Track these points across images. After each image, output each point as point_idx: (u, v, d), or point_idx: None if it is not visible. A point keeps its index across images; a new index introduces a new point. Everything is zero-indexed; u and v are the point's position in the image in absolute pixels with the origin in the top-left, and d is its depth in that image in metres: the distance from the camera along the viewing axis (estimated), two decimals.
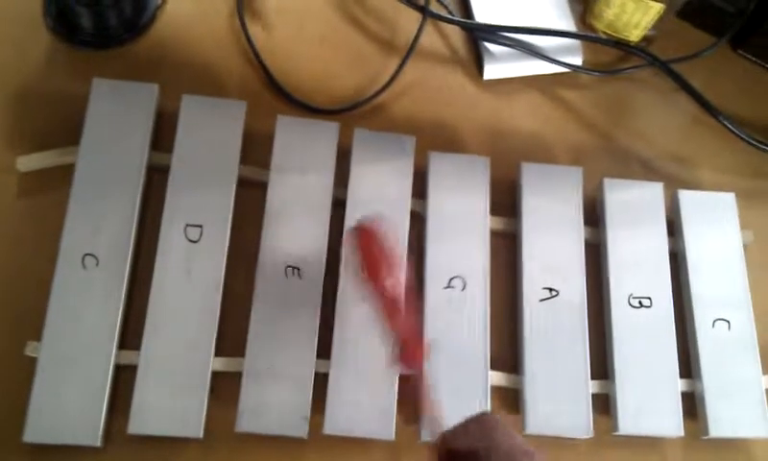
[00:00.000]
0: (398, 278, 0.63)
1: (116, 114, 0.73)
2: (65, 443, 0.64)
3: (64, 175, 0.72)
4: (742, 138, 0.84)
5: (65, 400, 0.64)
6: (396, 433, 0.67)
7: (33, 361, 0.65)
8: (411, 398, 0.59)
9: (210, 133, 0.74)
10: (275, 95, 0.82)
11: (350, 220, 0.73)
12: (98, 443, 0.64)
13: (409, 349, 0.60)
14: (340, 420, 0.67)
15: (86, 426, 0.64)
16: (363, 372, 0.68)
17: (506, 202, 0.78)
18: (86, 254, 0.68)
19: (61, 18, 0.80)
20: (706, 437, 0.71)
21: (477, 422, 0.55)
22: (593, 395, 0.70)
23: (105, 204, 0.70)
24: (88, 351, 0.66)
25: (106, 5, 0.78)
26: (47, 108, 0.77)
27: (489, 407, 0.68)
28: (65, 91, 0.77)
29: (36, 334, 0.66)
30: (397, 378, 0.68)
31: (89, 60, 0.80)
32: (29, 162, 0.73)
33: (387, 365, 0.63)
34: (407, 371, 0.60)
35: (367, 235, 0.63)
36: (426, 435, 0.67)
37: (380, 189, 0.75)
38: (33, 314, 0.67)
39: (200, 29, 0.84)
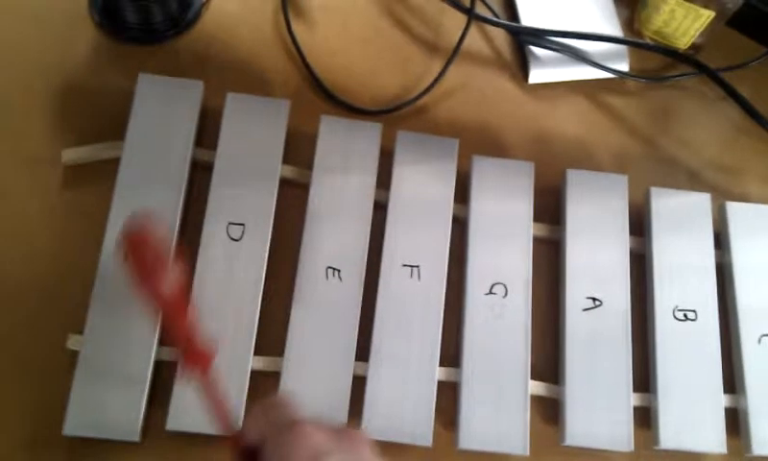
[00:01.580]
0: (176, 278, 0.57)
1: (161, 110, 0.74)
2: (104, 437, 0.64)
3: (109, 169, 0.72)
4: None
5: (105, 395, 0.64)
6: (434, 439, 0.67)
7: (74, 354, 0.66)
8: (202, 399, 0.55)
9: (254, 132, 0.74)
10: (318, 94, 0.82)
11: (392, 222, 0.73)
12: (137, 438, 0.64)
13: (193, 350, 0.56)
14: (377, 424, 0.67)
15: (126, 421, 0.64)
16: (401, 376, 0.68)
17: (549, 208, 0.77)
18: None
19: (107, 14, 0.81)
20: (749, 455, 0.70)
21: (262, 406, 0.52)
22: (635, 408, 0.69)
23: (148, 199, 0.70)
24: (129, 346, 0.66)
25: (151, 1, 0.78)
26: (92, 102, 0.77)
27: (528, 417, 0.68)
28: (111, 86, 0.78)
29: (78, 328, 0.66)
30: (436, 384, 0.68)
31: (135, 55, 0.80)
32: (74, 155, 0.73)
33: (178, 373, 0.58)
34: (194, 373, 0.55)
35: (136, 242, 0.57)
36: (465, 443, 0.67)
37: (422, 192, 0.74)
38: (75, 307, 0.67)
39: (244, 27, 0.84)
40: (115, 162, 0.72)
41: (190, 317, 0.56)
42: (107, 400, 0.64)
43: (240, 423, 0.55)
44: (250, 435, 0.51)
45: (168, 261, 0.57)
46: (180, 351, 0.56)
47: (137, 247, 0.57)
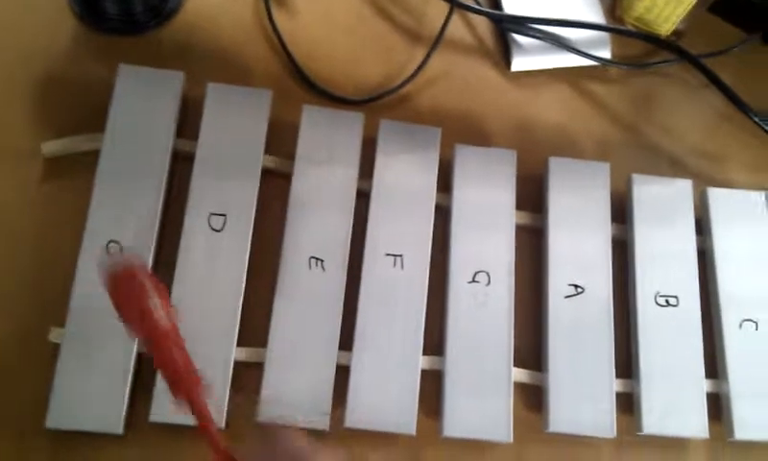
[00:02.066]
0: (160, 311, 0.57)
1: (142, 101, 0.73)
2: (87, 430, 0.64)
3: (89, 161, 0.71)
4: None
5: (88, 387, 0.64)
6: (418, 427, 0.67)
7: (56, 347, 0.65)
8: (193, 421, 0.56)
9: (235, 122, 0.74)
10: (300, 84, 0.81)
11: (375, 212, 0.73)
12: (120, 430, 0.64)
13: (181, 380, 0.56)
14: (361, 413, 0.67)
15: (108, 414, 0.64)
16: (385, 365, 0.68)
17: (532, 196, 0.77)
18: (111, 241, 0.68)
19: (88, 4, 0.80)
20: (731, 439, 0.70)
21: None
22: (617, 394, 0.70)
23: (129, 190, 0.70)
24: (111, 338, 0.65)
25: None
26: (72, 93, 0.77)
27: (511, 404, 0.68)
28: (91, 77, 0.77)
29: (60, 320, 0.66)
30: (419, 372, 0.68)
31: (115, 46, 0.80)
32: (54, 147, 0.73)
33: (171, 403, 0.57)
34: (182, 400, 0.56)
35: (124, 278, 0.57)
36: (449, 431, 0.67)
37: (405, 181, 0.74)
38: (56, 300, 0.67)
39: (226, 17, 0.83)
40: (96, 154, 0.71)
41: (177, 347, 0.56)
42: (89, 393, 0.64)
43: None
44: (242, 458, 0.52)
45: (151, 295, 0.56)
46: (168, 382, 0.56)
47: (121, 283, 0.56)
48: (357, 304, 0.70)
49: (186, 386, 0.56)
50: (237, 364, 0.67)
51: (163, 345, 0.56)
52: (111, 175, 0.70)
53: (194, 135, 0.73)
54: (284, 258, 0.70)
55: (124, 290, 0.56)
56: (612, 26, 0.87)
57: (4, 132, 0.74)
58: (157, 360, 0.56)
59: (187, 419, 0.63)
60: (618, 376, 0.70)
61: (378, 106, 0.81)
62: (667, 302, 0.73)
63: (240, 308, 0.68)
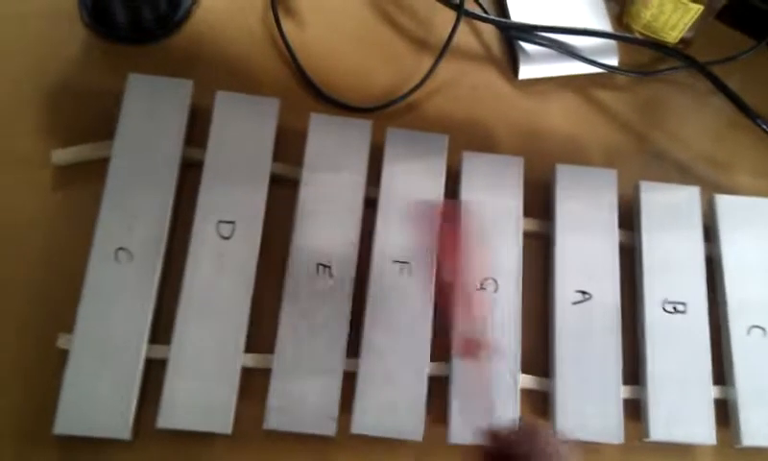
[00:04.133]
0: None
1: (151, 110, 0.74)
2: (95, 435, 0.64)
3: (99, 169, 0.72)
4: None
5: (96, 393, 0.64)
6: (424, 434, 0.67)
7: (64, 353, 0.66)
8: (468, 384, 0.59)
9: (244, 130, 0.74)
10: (308, 93, 0.82)
11: (382, 219, 0.73)
12: (127, 436, 0.64)
13: (472, 341, 0.61)
14: (368, 419, 0.67)
15: (116, 420, 0.64)
16: (392, 371, 0.68)
17: (539, 203, 0.78)
18: (120, 249, 0.68)
19: (97, 14, 0.81)
20: (738, 446, 0.70)
21: (520, 428, 0.54)
22: (625, 400, 0.70)
23: (138, 198, 0.70)
24: (120, 344, 0.66)
25: (141, 0, 0.78)
26: (82, 102, 0.77)
27: (518, 410, 0.68)
28: (100, 86, 0.78)
29: (69, 327, 0.66)
30: (426, 379, 0.68)
31: (124, 55, 0.80)
32: (64, 156, 0.73)
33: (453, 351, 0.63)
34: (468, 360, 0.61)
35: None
36: (455, 438, 0.67)
37: (413, 188, 0.74)
38: (65, 306, 0.67)
39: (234, 25, 0.84)
40: (105, 162, 0.72)
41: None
42: (97, 399, 0.64)
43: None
44: (510, 443, 0.52)
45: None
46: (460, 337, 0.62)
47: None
48: (365, 311, 0.70)
49: (475, 348, 0.61)
50: (245, 370, 0.67)
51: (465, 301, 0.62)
52: (121, 183, 0.71)
53: (203, 143, 0.74)
54: (292, 265, 0.70)
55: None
56: (619, 34, 0.87)
57: (14, 140, 0.75)
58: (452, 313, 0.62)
59: (194, 425, 0.65)
60: (625, 382, 0.70)
61: (386, 114, 0.81)
62: (675, 308, 0.72)
63: (248, 315, 0.68)
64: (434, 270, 0.71)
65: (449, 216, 0.63)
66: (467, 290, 0.61)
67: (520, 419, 0.56)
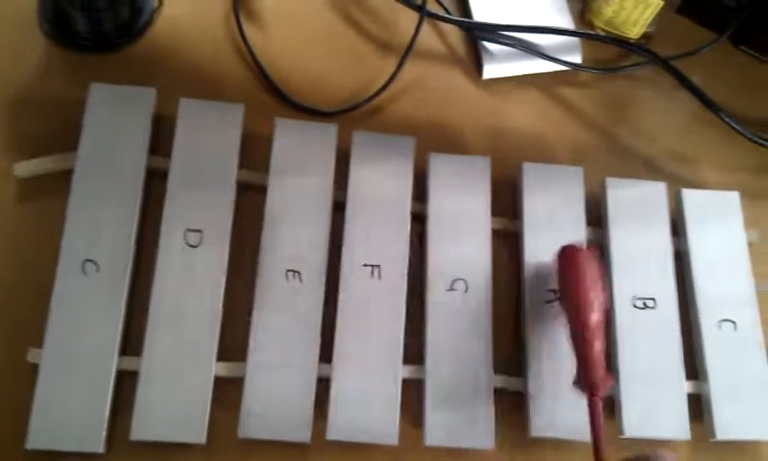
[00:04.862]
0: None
1: (114, 119, 0.73)
2: (68, 449, 0.63)
3: (63, 180, 0.71)
4: (745, 135, 0.84)
5: (68, 407, 0.64)
6: (400, 438, 0.67)
7: (34, 368, 0.65)
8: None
9: (208, 137, 0.73)
10: (272, 97, 0.81)
11: (351, 222, 0.72)
12: (101, 449, 0.63)
13: (596, 373, 0.63)
14: (343, 425, 0.66)
15: (89, 433, 0.64)
16: (365, 376, 0.68)
17: (507, 202, 0.78)
18: (87, 260, 0.68)
19: (57, 23, 0.80)
20: (713, 440, 0.71)
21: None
22: None
23: (104, 209, 0.70)
24: (90, 357, 0.65)
25: (101, 9, 0.77)
26: (44, 113, 0.76)
27: (492, 410, 0.68)
28: (62, 96, 0.77)
29: (38, 341, 0.65)
30: (400, 382, 0.68)
31: (86, 64, 0.79)
32: (26, 168, 0.72)
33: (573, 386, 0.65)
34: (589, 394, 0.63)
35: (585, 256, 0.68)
36: (432, 440, 0.67)
37: (380, 191, 0.74)
38: (34, 321, 0.66)
39: (196, 32, 0.83)
40: (69, 173, 0.71)
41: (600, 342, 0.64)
42: (69, 413, 0.64)
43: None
44: None
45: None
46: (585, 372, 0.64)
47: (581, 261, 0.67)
48: (336, 316, 0.69)
49: (596, 384, 0.62)
50: (218, 379, 0.67)
51: (592, 335, 0.63)
52: (85, 194, 0.70)
53: (167, 152, 0.73)
54: (261, 272, 0.70)
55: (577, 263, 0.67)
56: (581, 31, 0.87)
57: None
58: (582, 348, 0.64)
59: (169, 435, 0.64)
60: None
61: (351, 117, 0.81)
62: (645, 304, 0.73)
63: (219, 323, 0.68)
64: (405, 271, 0.71)
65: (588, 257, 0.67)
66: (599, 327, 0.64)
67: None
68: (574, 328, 0.65)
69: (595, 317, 0.64)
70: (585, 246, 0.69)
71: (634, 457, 0.56)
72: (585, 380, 0.63)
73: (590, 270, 0.66)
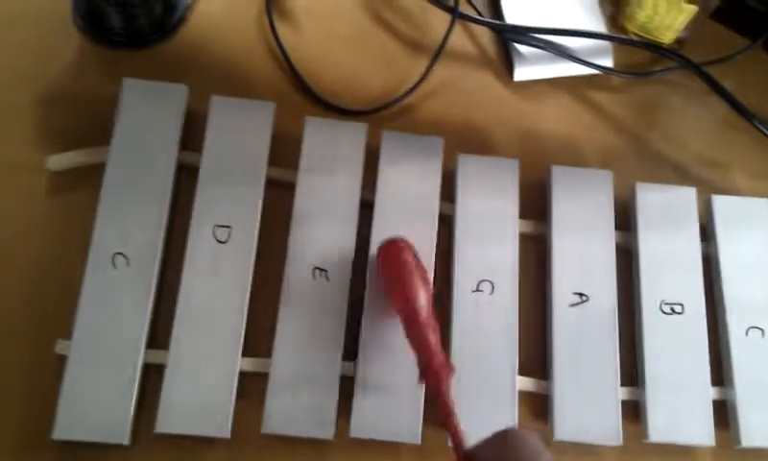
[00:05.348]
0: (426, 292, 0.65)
1: (146, 115, 0.74)
2: (93, 441, 0.64)
3: (95, 174, 0.72)
4: None
5: (94, 399, 0.64)
6: (423, 437, 0.67)
7: (62, 359, 0.66)
8: (436, 415, 0.60)
9: (239, 134, 0.74)
10: (303, 96, 0.82)
11: (378, 222, 0.73)
12: (126, 441, 0.64)
13: (433, 364, 0.61)
14: (366, 423, 0.67)
15: (115, 425, 0.64)
16: (389, 375, 0.68)
17: (535, 205, 0.77)
18: (117, 253, 0.68)
19: (91, 18, 0.80)
20: (738, 447, 0.70)
21: (504, 436, 0.53)
22: (623, 402, 0.69)
23: (135, 203, 0.70)
24: (118, 349, 0.66)
25: (135, 5, 0.78)
26: (77, 108, 0.77)
27: (516, 413, 0.68)
28: (95, 91, 0.78)
29: (66, 333, 0.66)
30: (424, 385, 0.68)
31: (119, 60, 0.80)
32: (59, 161, 0.73)
33: (416, 382, 0.64)
34: (430, 385, 0.62)
35: (392, 251, 0.67)
36: None
37: (408, 191, 0.74)
38: (63, 312, 0.67)
39: (229, 29, 0.84)
40: (101, 167, 0.72)
41: (432, 331, 0.63)
42: (96, 404, 0.64)
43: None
44: (480, 458, 0.52)
45: (421, 272, 0.65)
46: (421, 363, 0.62)
47: (394, 256, 0.66)
48: (361, 315, 0.70)
49: (435, 372, 0.61)
50: (242, 374, 0.67)
51: (419, 325, 0.63)
52: (117, 188, 0.71)
53: (198, 148, 0.73)
54: (288, 269, 0.70)
55: (392, 262, 0.66)
56: (614, 35, 0.87)
57: (9, 146, 0.75)
58: (412, 339, 0.63)
59: (193, 429, 0.64)
60: (624, 383, 0.70)
61: (381, 116, 0.81)
62: (672, 309, 0.72)
63: (245, 319, 0.68)
64: (431, 271, 0.71)
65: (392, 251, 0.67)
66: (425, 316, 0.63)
67: (511, 429, 0.55)
68: (405, 321, 0.64)
69: (424, 304, 0.64)
70: (398, 238, 0.68)
71: (492, 435, 0.54)
72: (428, 371, 0.62)
73: (410, 260, 0.66)
